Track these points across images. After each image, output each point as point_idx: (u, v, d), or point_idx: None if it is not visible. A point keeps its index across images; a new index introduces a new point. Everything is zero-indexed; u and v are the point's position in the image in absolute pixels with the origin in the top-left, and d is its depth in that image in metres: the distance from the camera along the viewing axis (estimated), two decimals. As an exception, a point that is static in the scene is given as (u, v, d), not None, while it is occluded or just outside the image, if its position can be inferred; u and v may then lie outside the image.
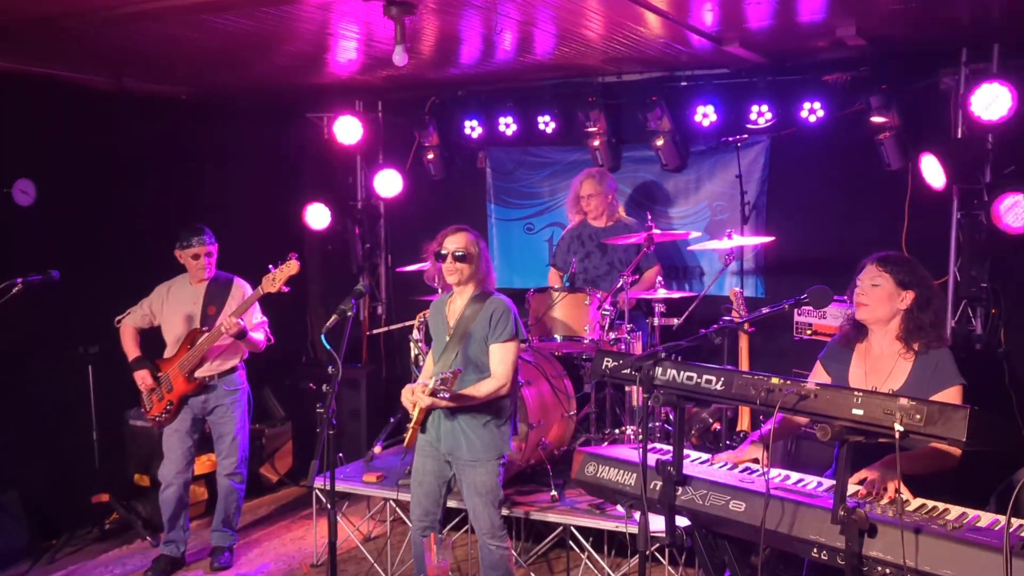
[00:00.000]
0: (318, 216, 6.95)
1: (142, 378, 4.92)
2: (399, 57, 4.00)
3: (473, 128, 6.62)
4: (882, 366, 3.29)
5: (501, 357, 3.98)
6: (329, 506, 3.24)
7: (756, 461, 3.16)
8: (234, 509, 5.12)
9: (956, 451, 3.01)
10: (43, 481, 5.38)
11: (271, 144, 6.99)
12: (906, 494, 2.80)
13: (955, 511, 2.68)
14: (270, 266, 4.70)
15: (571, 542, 4.62)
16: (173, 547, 5.04)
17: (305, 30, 4.60)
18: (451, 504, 4.41)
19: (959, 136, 5.23)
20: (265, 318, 5.09)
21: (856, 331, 3.39)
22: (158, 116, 6.16)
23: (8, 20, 4.25)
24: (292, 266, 4.67)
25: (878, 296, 3.26)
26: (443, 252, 4.03)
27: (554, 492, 4.72)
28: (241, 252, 6.77)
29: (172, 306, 4.98)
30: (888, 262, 3.29)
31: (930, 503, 2.76)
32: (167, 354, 4.96)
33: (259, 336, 4.98)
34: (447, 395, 3.73)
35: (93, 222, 5.65)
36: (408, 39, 4.21)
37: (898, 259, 3.33)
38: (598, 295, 5.04)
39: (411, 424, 3.95)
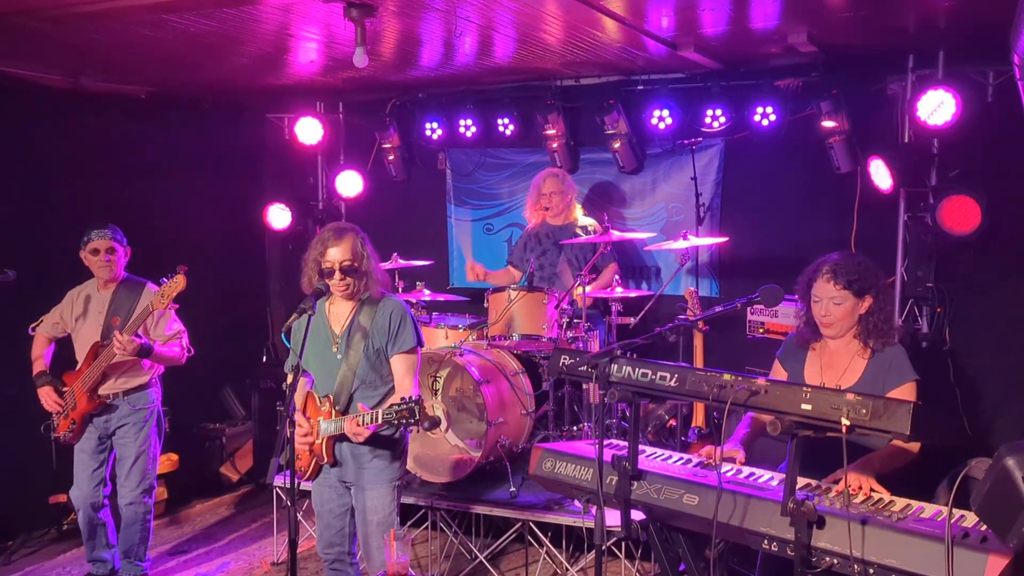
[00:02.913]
0: (279, 216, 6.94)
1: (45, 395, 4.50)
2: (359, 59, 4.03)
3: (433, 130, 6.67)
4: (837, 363, 3.38)
5: (407, 369, 3.59)
6: (290, 504, 3.27)
7: (732, 460, 3.21)
8: (138, 539, 4.62)
9: (915, 447, 3.12)
10: (-2, 483, 5.32)
11: (232, 144, 6.95)
12: (880, 491, 2.89)
13: (900, 503, 2.78)
14: (163, 279, 4.26)
15: (529, 537, 4.68)
16: (100, 566, 4.67)
17: (265, 31, 4.60)
18: (407, 500, 4.44)
19: (906, 140, 5.39)
20: (182, 327, 4.62)
21: (812, 330, 3.46)
22: (116, 115, 6.09)
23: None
24: (179, 282, 4.20)
25: (842, 313, 3.31)
26: (326, 267, 3.50)
27: (513, 488, 4.78)
28: (201, 253, 6.76)
29: (79, 314, 4.56)
30: (841, 275, 3.29)
31: (876, 495, 2.87)
32: (78, 367, 4.53)
33: (172, 352, 4.51)
34: (415, 427, 3.28)
35: (49, 223, 5.59)
36: (369, 41, 4.24)
37: (849, 267, 3.32)
38: (556, 294, 5.11)
39: (308, 457, 3.61)
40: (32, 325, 4.65)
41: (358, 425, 3.38)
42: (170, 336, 4.54)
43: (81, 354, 4.52)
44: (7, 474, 5.34)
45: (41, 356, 4.62)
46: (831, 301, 3.31)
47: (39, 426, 4.56)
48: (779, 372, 3.55)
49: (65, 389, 4.50)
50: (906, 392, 3.23)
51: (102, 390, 4.46)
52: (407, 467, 4.04)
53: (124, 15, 4.17)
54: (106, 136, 6.02)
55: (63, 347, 4.69)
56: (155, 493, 4.72)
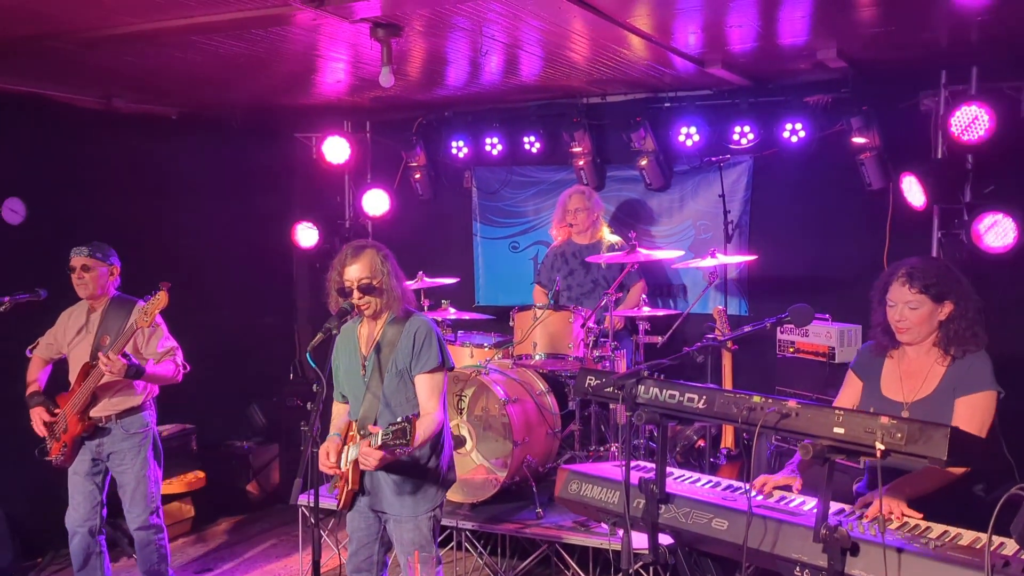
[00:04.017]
0: (307, 235, 6.98)
1: (36, 416, 4.36)
2: (385, 79, 4.05)
3: (460, 148, 6.69)
4: (917, 372, 3.21)
5: (431, 389, 3.43)
6: (313, 525, 3.25)
7: (788, 488, 3.06)
8: (156, 559, 4.53)
9: (956, 469, 2.94)
10: (28, 499, 5.35)
11: (260, 163, 7.02)
12: (913, 517, 2.79)
13: (937, 529, 2.69)
14: (147, 295, 4.14)
15: (556, 559, 4.63)
16: None
17: (294, 52, 4.64)
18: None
19: (939, 156, 5.31)
20: (175, 344, 4.46)
21: (889, 338, 3.26)
22: (148, 135, 6.19)
23: (-3, 39, 4.28)
24: (161, 299, 4.07)
25: (918, 319, 3.13)
26: (346, 286, 3.41)
27: (539, 509, 4.73)
28: (230, 271, 6.83)
29: (71, 334, 4.45)
30: (917, 279, 3.11)
31: (912, 521, 2.79)
32: (71, 388, 4.39)
33: (166, 370, 4.36)
34: (407, 448, 3.14)
35: (81, 241, 5.67)
36: (395, 61, 4.26)
37: (926, 271, 3.14)
38: (582, 313, 5.08)
39: (341, 483, 3.45)
40: (29, 347, 4.55)
41: (367, 447, 3.21)
42: (163, 353, 4.38)
43: (75, 375, 4.39)
44: (35, 492, 5.38)
45: (36, 379, 4.50)
46: (906, 306, 3.14)
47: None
48: (853, 384, 3.36)
49: (57, 411, 4.36)
50: (979, 401, 3.04)
51: (93, 412, 4.32)
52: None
53: (155, 37, 4.23)
54: (138, 155, 6.12)
55: (58, 369, 4.59)
56: (162, 512, 4.58)
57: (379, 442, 3.14)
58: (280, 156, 7.25)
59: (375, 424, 3.43)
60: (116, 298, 4.45)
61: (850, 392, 3.37)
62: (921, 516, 2.80)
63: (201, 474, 6.05)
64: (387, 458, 3.23)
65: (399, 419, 3.12)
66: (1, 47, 4.40)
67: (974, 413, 3.05)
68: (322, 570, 3.24)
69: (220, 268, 6.77)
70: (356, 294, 3.40)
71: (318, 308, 7.47)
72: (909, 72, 5.35)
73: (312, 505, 3.21)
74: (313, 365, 3.38)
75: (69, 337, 4.46)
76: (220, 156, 6.67)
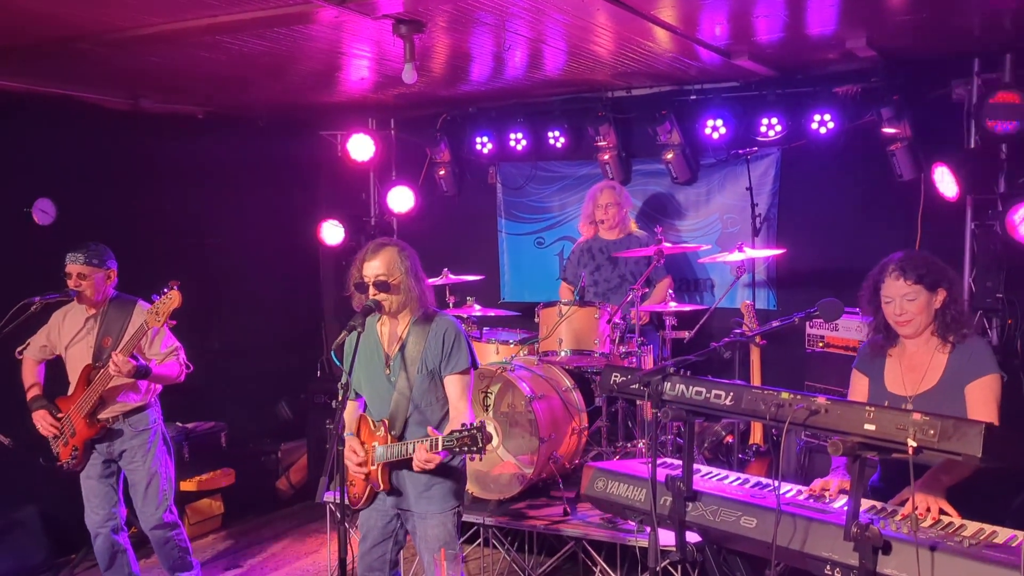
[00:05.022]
0: (332, 232, 7.00)
1: (41, 418, 4.30)
2: (408, 75, 4.05)
3: (484, 144, 6.67)
4: (918, 365, 3.24)
5: (461, 391, 3.45)
6: (340, 522, 3.25)
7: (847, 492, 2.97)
8: (177, 554, 4.52)
9: None
10: (61, 496, 5.40)
11: (286, 161, 7.06)
12: (951, 512, 2.75)
13: (972, 527, 2.64)
14: (154, 295, 4.10)
15: (583, 556, 4.61)
16: None
17: (317, 50, 4.65)
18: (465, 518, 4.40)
19: (972, 146, 5.21)
20: (178, 343, 4.42)
21: (886, 336, 3.31)
22: (174, 135, 6.23)
23: (27, 42, 4.33)
24: (173, 298, 4.02)
25: (917, 308, 3.18)
26: (363, 281, 3.42)
27: (566, 506, 4.71)
28: (256, 269, 6.88)
29: (68, 336, 4.37)
30: (910, 270, 3.18)
31: (946, 519, 2.73)
32: (70, 391, 4.35)
33: (170, 370, 4.33)
34: (480, 455, 3.18)
35: (110, 241, 5.74)
36: (418, 57, 4.26)
37: (915, 261, 3.22)
38: (608, 309, 5.04)
39: (359, 482, 3.50)
40: (18, 349, 4.44)
41: (427, 451, 3.22)
42: (166, 353, 4.34)
43: (73, 378, 4.34)
44: (67, 490, 5.45)
45: (35, 381, 4.44)
46: (904, 298, 3.17)
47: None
48: (859, 381, 3.38)
49: (60, 415, 4.31)
50: (985, 385, 3.08)
51: (101, 414, 4.28)
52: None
53: (180, 37, 4.26)
54: (166, 155, 6.17)
55: (52, 370, 4.54)
56: (175, 510, 4.55)
57: (441, 447, 3.17)
58: (305, 154, 7.28)
59: (406, 422, 3.45)
60: (115, 299, 4.40)
61: (858, 388, 3.38)
62: (959, 515, 2.75)
63: (231, 471, 6.10)
64: (439, 460, 3.26)
65: (467, 426, 3.16)
66: (30, 50, 4.46)
67: (987, 397, 3.09)
68: (349, 567, 3.24)
69: (247, 266, 6.82)
70: (371, 290, 3.39)
71: (344, 306, 7.45)
72: (940, 60, 5.26)
73: (339, 502, 3.21)
74: (338, 363, 3.39)
75: (66, 338, 4.38)
76: (246, 155, 6.71)
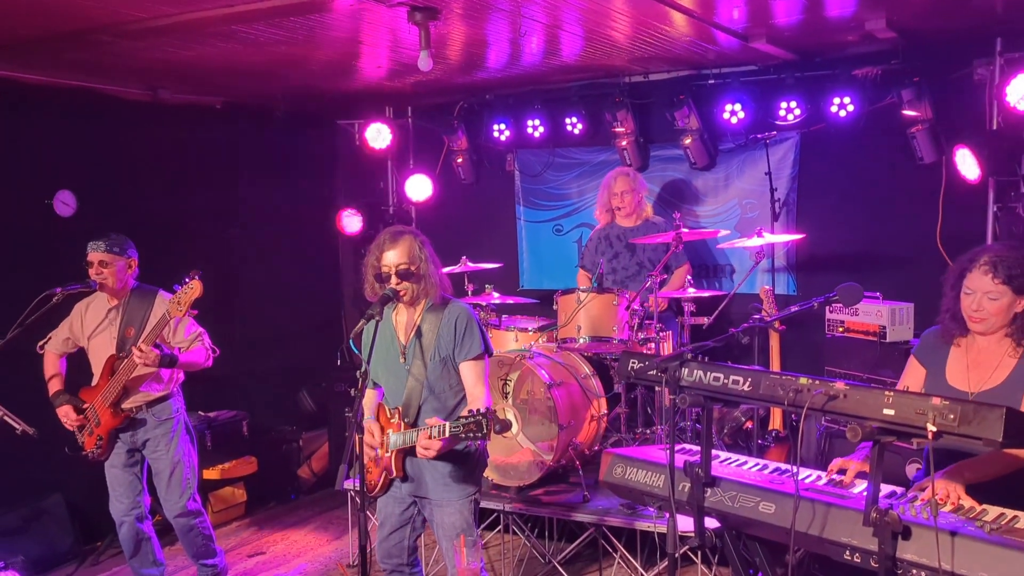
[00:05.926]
0: (351, 221, 7.04)
1: (65, 415, 4.37)
2: (424, 63, 4.04)
3: (501, 131, 6.66)
4: (986, 362, 3.07)
5: (477, 376, 3.44)
6: (360, 510, 3.27)
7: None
8: (201, 542, 4.60)
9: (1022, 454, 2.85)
10: (87, 484, 5.48)
11: (304, 151, 7.09)
12: (969, 502, 2.70)
13: (993, 512, 2.62)
14: (176, 285, 4.12)
15: (603, 542, 4.62)
16: None
17: (333, 38, 4.65)
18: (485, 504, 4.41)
19: (994, 128, 5.13)
20: (201, 329, 4.45)
21: (958, 324, 3.12)
22: (193, 125, 6.28)
23: (46, 34, 4.36)
24: (195, 288, 4.04)
25: (996, 309, 2.99)
26: (384, 272, 3.43)
27: (585, 492, 4.73)
28: (276, 258, 6.92)
29: (90, 327, 4.41)
30: (1001, 269, 2.95)
31: (967, 503, 2.71)
32: (93, 381, 4.41)
33: (197, 356, 4.37)
34: (484, 441, 3.25)
35: (130, 232, 5.80)
36: (434, 45, 4.25)
37: (1011, 259, 2.97)
38: (626, 295, 5.03)
39: (377, 470, 3.49)
40: (40, 343, 4.49)
41: (429, 438, 3.23)
42: (191, 340, 4.37)
43: (97, 369, 4.39)
44: (93, 478, 5.53)
45: (57, 374, 4.49)
46: (986, 296, 2.99)
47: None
48: (916, 370, 3.24)
49: (85, 406, 4.37)
50: None
51: (125, 404, 4.34)
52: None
53: (196, 27, 4.27)
54: (185, 146, 6.22)
55: (73, 362, 4.59)
56: (199, 498, 4.60)
57: (447, 433, 3.15)
58: (323, 143, 7.31)
59: (419, 409, 3.47)
60: (136, 289, 4.44)
61: (912, 379, 3.23)
62: (978, 503, 2.72)
63: (254, 459, 6.15)
64: (445, 447, 3.26)
65: (473, 412, 3.12)
66: (49, 42, 4.49)
67: None
68: (370, 554, 3.27)
69: (267, 255, 6.86)
70: (394, 279, 3.40)
71: (363, 294, 7.55)
72: (962, 41, 5.18)
73: (359, 489, 3.24)
74: (356, 351, 3.41)
75: (88, 329, 4.43)
76: (264, 144, 6.75)
